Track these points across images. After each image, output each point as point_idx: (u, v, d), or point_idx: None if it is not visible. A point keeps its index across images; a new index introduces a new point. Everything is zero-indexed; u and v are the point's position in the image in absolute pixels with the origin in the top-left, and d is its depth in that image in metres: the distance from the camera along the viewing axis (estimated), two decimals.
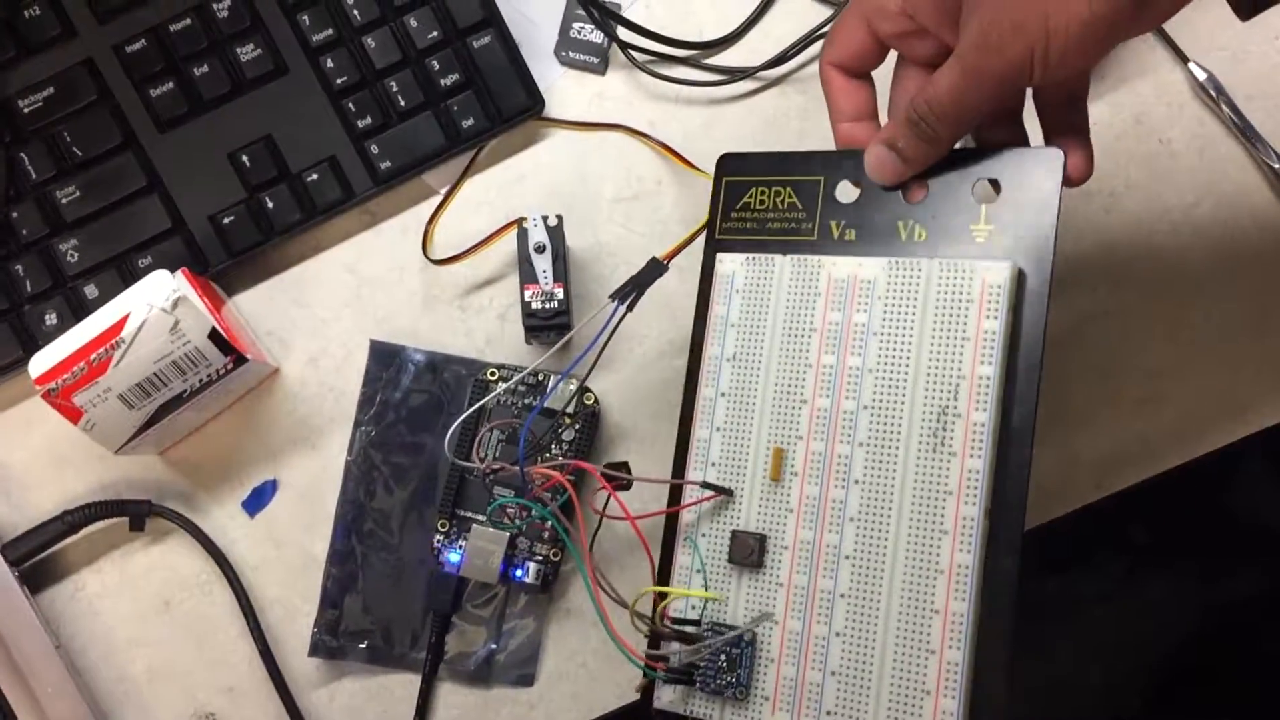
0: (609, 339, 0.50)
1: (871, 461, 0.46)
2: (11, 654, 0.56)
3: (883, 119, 0.50)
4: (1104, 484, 0.60)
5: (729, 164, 0.51)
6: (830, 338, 0.48)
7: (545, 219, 0.56)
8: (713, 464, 0.49)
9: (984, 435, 0.45)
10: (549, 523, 0.56)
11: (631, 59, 0.61)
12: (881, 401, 0.47)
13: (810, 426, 0.47)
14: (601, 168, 0.61)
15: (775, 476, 0.47)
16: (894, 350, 0.47)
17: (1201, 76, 0.60)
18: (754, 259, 0.49)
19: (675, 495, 0.49)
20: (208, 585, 0.59)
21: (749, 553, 0.47)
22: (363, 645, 0.58)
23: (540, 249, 0.56)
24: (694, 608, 0.48)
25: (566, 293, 0.56)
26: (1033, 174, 0.47)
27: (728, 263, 0.50)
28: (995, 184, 0.48)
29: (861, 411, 0.47)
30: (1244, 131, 0.60)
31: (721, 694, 0.46)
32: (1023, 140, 0.49)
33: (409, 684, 0.58)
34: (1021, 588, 0.45)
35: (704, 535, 0.48)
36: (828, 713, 0.45)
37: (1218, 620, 1.05)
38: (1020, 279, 0.46)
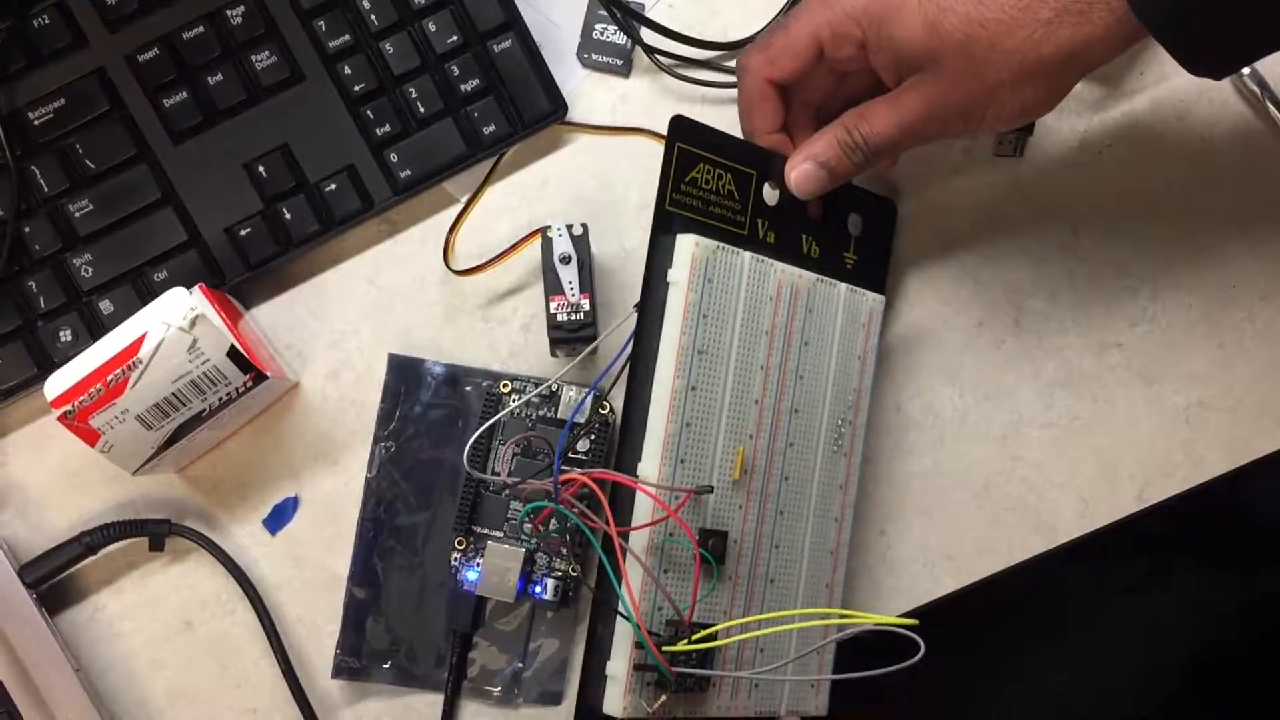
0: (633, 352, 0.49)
1: (795, 460, 0.52)
2: (31, 677, 0.55)
3: None
4: (1145, 495, 0.58)
5: (682, 128, 0.50)
6: (777, 341, 0.51)
7: (570, 228, 0.55)
8: (681, 460, 0.48)
9: (860, 438, 0.55)
10: (566, 538, 0.54)
11: (656, 62, 0.59)
12: (805, 406, 0.52)
13: (758, 425, 0.51)
14: (626, 172, 0.59)
15: (738, 475, 0.50)
16: (815, 360, 0.53)
17: (1245, 71, 0.58)
18: (723, 249, 0.49)
19: (618, 495, 0.48)
20: (229, 605, 0.58)
21: (722, 551, 0.49)
22: (387, 665, 0.57)
23: (565, 259, 0.54)
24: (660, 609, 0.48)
25: (593, 303, 0.55)
26: (879, 219, 0.57)
27: (702, 246, 0.49)
28: (858, 219, 0.55)
29: (793, 414, 0.52)
30: None
31: (691, 690, 0.48)
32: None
33: (435, 704, 0.57)
34: None
35: (672, 535, 0.48)
36: (755, 686, 0.51)
37: (1248, 616, 1.04)
38: None
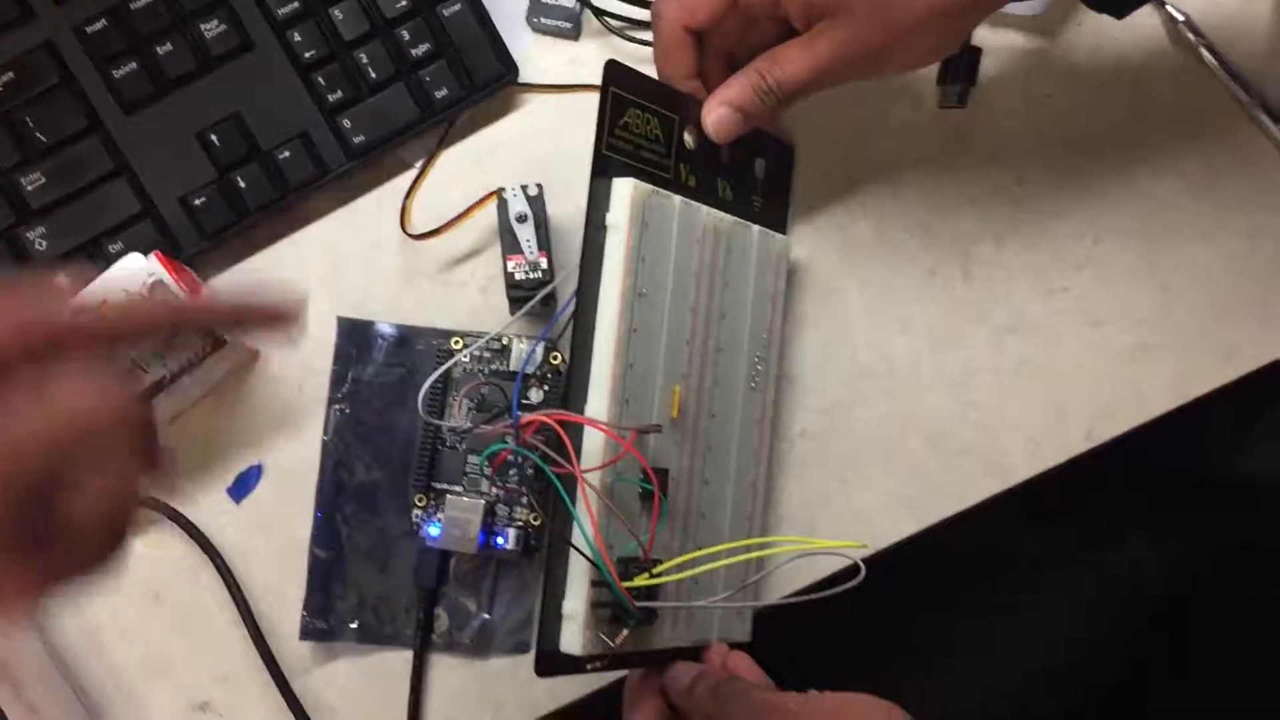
0: None
1: (720, 397, 0.54)
2: None
3: None
4: (1094, 434, 0.60)
5: (616, 73, 0.50)
6: (704, 282, 0.52)
7: (525, 188, 0.55)
8: (626, 401, 0.49)
9: (773, 373, 0.57)
10: (523, 486, 0.55)
11: (605, 24, 0.60)
12: (728, 344, 0.54)
13: (689, 365, 0.52)
14: (579, 133, 0.60)
15: (676, 414, 0.51)
16: (735, 300, 0.54)
17: (1180, 19, 0.60)
18: (658, 193, 0.50)
19: (573, 435, 0.48)
20: (196, 575, 0.58)
21: (665, 488, 0.50)
22: (354, 625, 0.57)
23: (522, 219, 0.55)
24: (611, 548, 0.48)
25: (550, 261, 0.56)
26: (781, 162, 0.59)
27: (639, 190, 0.49)
28: (763, 163, 0.58)
29: (718, 353, 0.53)
30: (1225, 71, 0.60)
31: (642, 624, 0.48)
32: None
33: (405, 661, 0.57)
34: None
35: (622, 475, 0.48)
36: (693, 616, 0.52)
37: (1199, 572, 1.06)
38: None
